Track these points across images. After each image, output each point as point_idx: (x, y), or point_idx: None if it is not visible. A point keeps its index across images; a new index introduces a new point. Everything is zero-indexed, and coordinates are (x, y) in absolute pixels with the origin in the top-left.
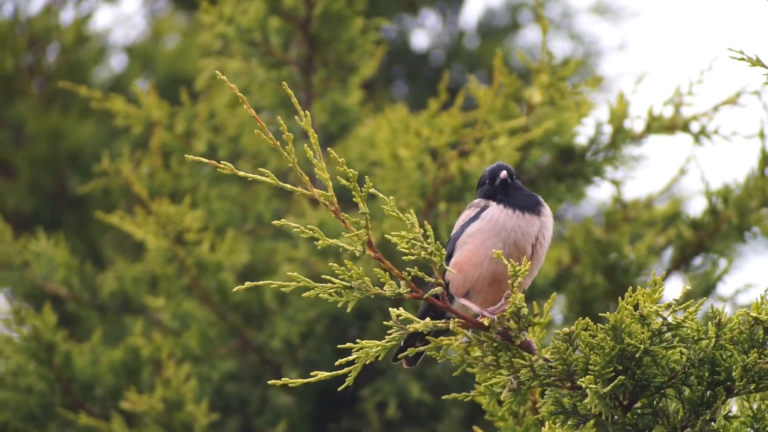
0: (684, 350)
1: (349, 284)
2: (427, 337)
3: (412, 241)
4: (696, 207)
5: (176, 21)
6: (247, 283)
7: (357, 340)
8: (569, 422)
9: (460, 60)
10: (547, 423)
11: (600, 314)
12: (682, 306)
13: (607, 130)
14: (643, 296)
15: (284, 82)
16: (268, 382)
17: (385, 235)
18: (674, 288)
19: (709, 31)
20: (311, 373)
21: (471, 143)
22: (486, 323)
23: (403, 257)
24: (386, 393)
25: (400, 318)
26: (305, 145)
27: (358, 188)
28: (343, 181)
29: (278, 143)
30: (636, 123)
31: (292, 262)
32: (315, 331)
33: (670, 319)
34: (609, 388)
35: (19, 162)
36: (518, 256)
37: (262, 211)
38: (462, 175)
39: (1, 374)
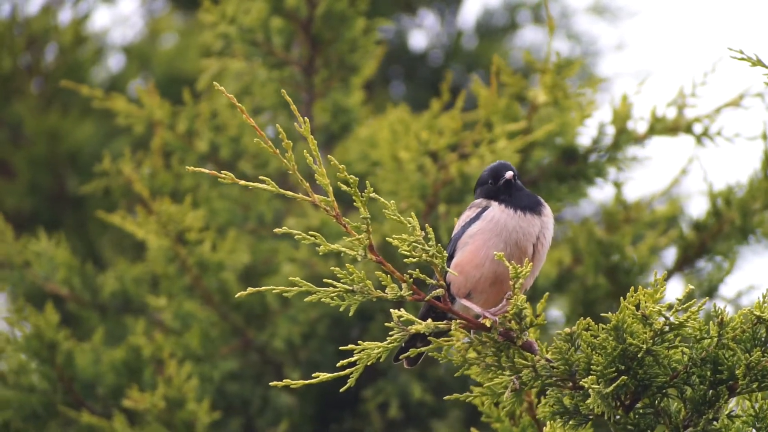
0: (686, 350)
1: (351, 288)
2: (428, 338)
3: (414, 244)
4: (697, 208)
5: (174, 21)
6: (250, 289)
7: (359, 342)
8: (571, 422)
9: (458, 60)
10: (548, 423)
11: (602, 314)
12: (684, 306)
13: (610, 131)
14: (644, 296)
15: (283, 90)
16: (270, 383)
17: (386, 239)
18: (677, 289)
19: (708, 31)
20: (313, 375)
21: (471, 146)
22: (488, 324)
23: (404, 260)
24: (388, 393)
25: (401, 319)
26: (305, 150)
27: (359, 193)
28: (344, 187)
29: (278, 151)
30: (639, 124)
31: (294, 263)
32: (317, 331)
33: (672, 319)
34: (611, 388)
35: (17, 162)
36: (519, 257)
37: (263, 211)
38: (462, 177)
39: (4, 373)
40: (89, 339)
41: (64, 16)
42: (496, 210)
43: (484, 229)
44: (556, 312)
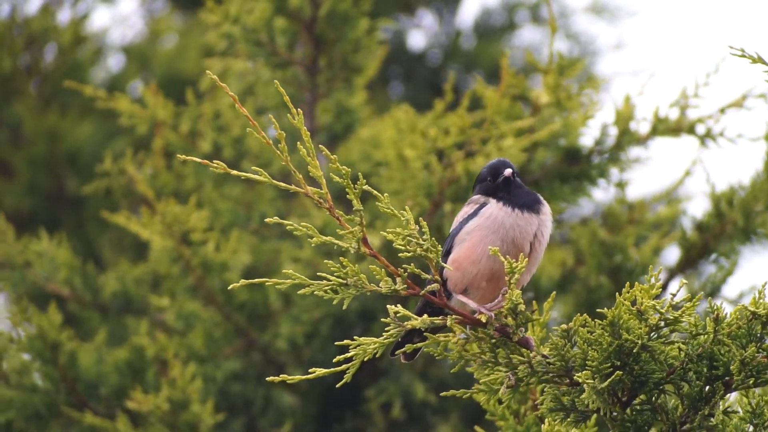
0: (682, 346)
1: (344, 281)
2: (425, 334)
3: (408, 237)
4: (698, 209)
5: (174, 21)
6: (243, 281)
7: (354, 337)
8: (569, 419)
9: (456, 60)
10: (547, 420)
11: (598, 310)
12: (680, 300)
13: (613, 131)
14: (640, 292)
15: (276, 81)
16: (267, 378)
17: (381, 232)
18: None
19: (707, 31)
20: (309, 370)
21: (477, 144)
22: (483, 320)
23: (399, 254)
24: (391, 393)
25: (397, 315)
26: (298, 143)
27: (352, 185)
28: (336, 178)
29: (271, 142)
30: (642, 125)
31: (297, 263)
32: (319, 331)
33: (667, 315)
34: (607, 383)
35: (17, 162)
36: (516, 254)
37: (266, 211)
38: (468, 175)
39: (6, 373)
40: (90, 339)
41: (64, 16)
42: (494, 207)
43: (482, 225)
44: (554, 313)
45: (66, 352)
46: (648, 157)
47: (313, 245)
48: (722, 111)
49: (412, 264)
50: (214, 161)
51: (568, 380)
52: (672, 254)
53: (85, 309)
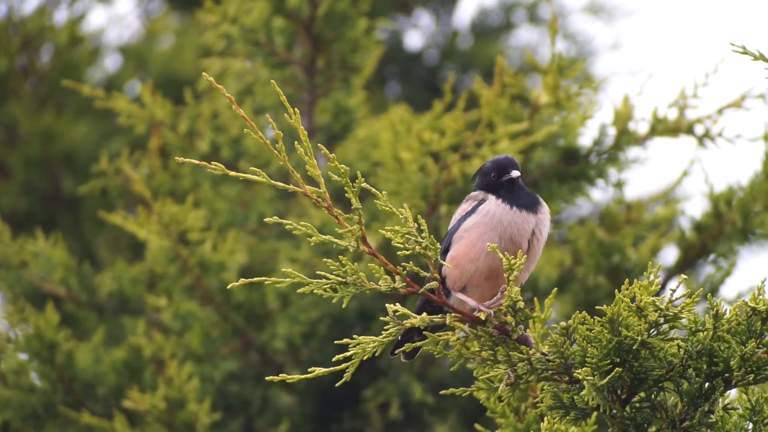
0: (681, 343)
1: (343, 280)
2: (424, 332)
3: (406, 235)
4: (697, 209)
5: (170, 21)
6: (242, 280)
7: (354, 336)
8: (568, 417)
9: (453, 60)
10: (546, 418)
11: (597, 307)
12: (679, 296)
13: (611, 132)
14: (639, 289)
15: (273, 81)
16: (266, 378)
17: (380, 230)
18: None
19: (705, 31)
20: (309, 369)
21: (473, 146)
22: (482, 318)
23: (398, 252)
24: (389, 394)
25: (396, 314)
26: (296, 143)
27: (350, 184)
28: (335, 177)
29: (268, 141)
30: (640, 125)
31: (295, 263)
32: (317, 331)
33: (667, 311)
34: (606, 380)
35: (12, 162)
36: (514, 251)
37: (263, 211)
38: (464, 177)
39: (4, 373)
40: (87, 339)
41: (60, 16)
42: (492, 204)
43: (480, 222)
44: (553, 313)
45: (63, 352)
46: (646, 158)
47: (312, 244)
48: (720, 111)
49: (410, 262)
50: (213, 162)
51: (567, 377)
52: (670, 254)
53: (81, 309)
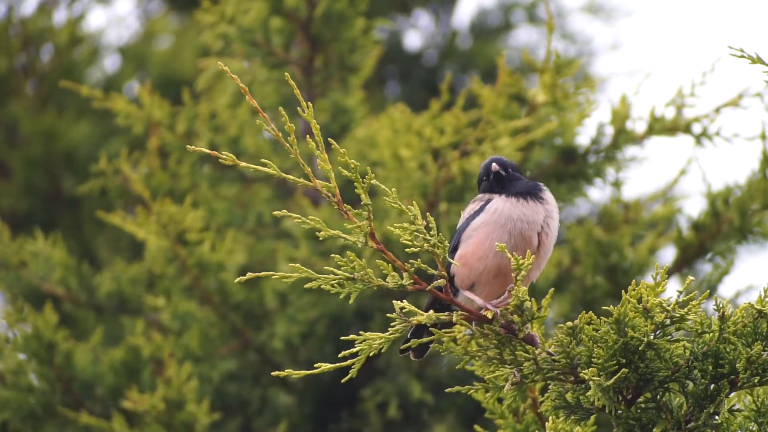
0: (687, 344)
1: (351, 275)
2: (431, 330)
3: (415, 233)
4: (694, 208)
5: (169, 22)
6: (249, 274)
7: (360, 332)
8: (573, 417)
9: (452, 60)
10: (551, 418)
11: (604, 308)
12: (686, 298)
13: (609, 131)
14: (646, 290)
15: (287, 73)
16: (272, 373)
17: (388, 227)
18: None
19: (703, 31)
20: (315, 365)
21: (473, 143)
22: (489, 316)
23: (406, 249)
24: (387, 393)
25: (403, 310)
26: (308, 137)
27: (360, 179)
28: (345, 172)
29: (280, 135)
30: (638, 124)
31: (293, 263)
32: (316, 331)
33: (674, 312)
34: (612, 381)
35: (13, 162)
36: (524, 248)
37: (262, 211)
38: (463, 175)
39: (2, 373)
40: (85, 339)
41: (60, 16)
42: (499, 201)
43: (488, 221)
44: (550, 312)
45: (62, 352)
46: (644, 157)
47: (308, 243)
48: (718, 110)
49: (419, 259)
50: (223, 152)
51: (573, 378)
52: (668, 254)
53: (80, 309)
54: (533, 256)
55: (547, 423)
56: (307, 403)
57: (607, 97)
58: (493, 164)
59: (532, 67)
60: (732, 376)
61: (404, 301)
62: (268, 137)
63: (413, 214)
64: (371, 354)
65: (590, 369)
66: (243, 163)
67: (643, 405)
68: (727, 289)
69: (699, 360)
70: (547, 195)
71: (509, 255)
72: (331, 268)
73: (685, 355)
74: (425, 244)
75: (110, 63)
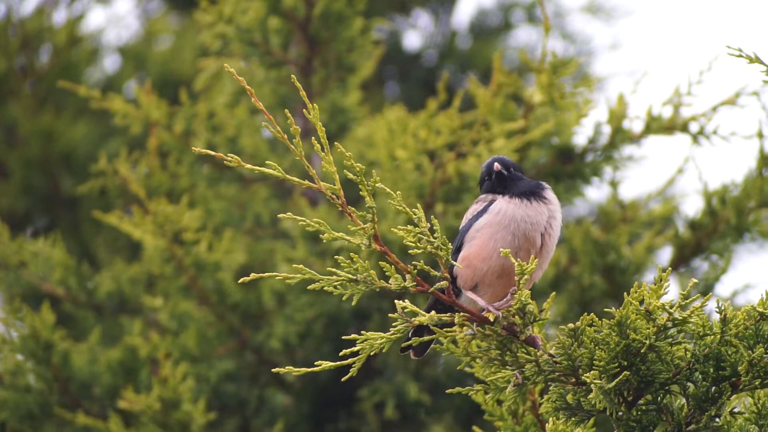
0: (689, 346)
1: (354, 277)
2: (432, 328)
3: (419, 235)
4: (691, 207)
5: (169, 22)
6: (253, 275)
7: (362, 332)
8: (574, 418)
9: (452, 60)
10: (551, 420)
11: (605, 310)
12: (688, 300)
13: (606, 130)
14: (648, 292)
15: (293, 76)
16: (273, 369)
17: (392, 229)
18: (673, 288)
19: (702, 31)
20: (315, 363)
21: (468, 144)
22: (491, 318)
23: (409, 251)
24: (384, 393)
25: (405, 311)
26: (312, 138)
27: (365, 182)
28: (351, 175)
29: (285, 136)
30: (635, 123)
31: (291, 263)
32: (313, 331)
33: (676, 315)
34: (614, 383)
35: (11, 163)
36: (528, 248)
37: (260, 211)
38: (459, 176)
39: (0, 373)
40: (85, 339)
41: (59, 16)
42: (503, 202)
43: (492, 222)
44: (552, 313)
45: (59, 352)
46: (641, 156)
47: (305, 243)
48: (715, 109)
49: (421, 261)
50: (229, 155)
51: (574, 379)
52: (665, 253)
53: (79, 309)
54: (536, 260)
55: (547, 425)
56: (304, 403)
57: (606, 97)
58: (495, 164)
59: (529, 67)
60: (733, 379)
61: (406, 300)
62: (266, 137)
63: (417, 217)
64: (372, 353)
65: (592, 372)
66: (248, 165)
67: (643, 407)
68: (724, 288)
69: (700, 362)
70: (550, 194)
71: (513, 260)
72: (333, 270)
73: (686, 357)
74: (429, 246)
75: (110, 63)
